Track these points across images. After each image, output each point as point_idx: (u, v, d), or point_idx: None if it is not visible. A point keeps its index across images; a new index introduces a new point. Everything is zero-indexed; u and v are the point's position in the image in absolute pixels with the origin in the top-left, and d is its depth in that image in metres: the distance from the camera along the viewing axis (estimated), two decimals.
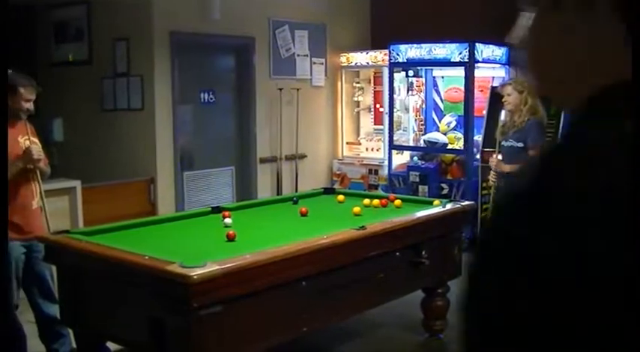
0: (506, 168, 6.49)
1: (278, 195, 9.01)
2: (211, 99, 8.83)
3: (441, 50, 8.89)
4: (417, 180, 8.89)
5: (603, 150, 1.00)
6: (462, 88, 8.79)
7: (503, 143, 6.68)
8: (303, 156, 9.78)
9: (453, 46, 8.74)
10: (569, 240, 0.93)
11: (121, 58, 8.52)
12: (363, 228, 4.80)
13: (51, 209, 7.01)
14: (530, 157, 6.26)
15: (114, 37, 8.56)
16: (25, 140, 5.28)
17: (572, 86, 1.15)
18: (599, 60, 1.11)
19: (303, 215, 5.48)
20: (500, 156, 6.71)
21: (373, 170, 9.57)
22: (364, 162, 9.79)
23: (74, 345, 5.03)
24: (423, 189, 8.81)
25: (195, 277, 3.63)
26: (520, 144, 6.47)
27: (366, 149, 10.00)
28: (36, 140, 5.40)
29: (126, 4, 8.40)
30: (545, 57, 1.22)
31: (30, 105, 5.26)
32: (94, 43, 8.94)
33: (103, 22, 8.80)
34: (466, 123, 8.70)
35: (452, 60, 8.79)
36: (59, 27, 9.38)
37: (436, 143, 8.90)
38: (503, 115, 6.91)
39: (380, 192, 8.82)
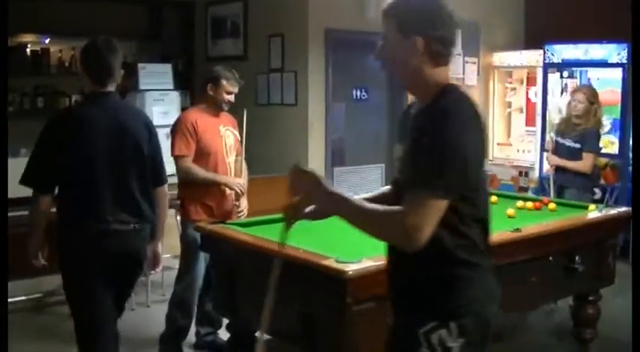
0: (557, 160, 7.13)
1: None
2: (364, 96, 8.88)
3: (597, 51, 8.66)
4: None
5: (453, 98, 2.65)
6: (618, 90, 8.53)
7: (559, 139, 7.15)
8: None
9: (611, 46, 8.50)
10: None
11: (275, 54, 8.67)
12: (517, 230, 4.73)
13: None
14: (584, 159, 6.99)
15: (269, 34, 8.71)
16: (225, 130, 5.54)
17: (424, 90, 2.73)
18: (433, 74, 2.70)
19: None
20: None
21: (524, 172, 9.41)
22: (515, 164, 9.64)
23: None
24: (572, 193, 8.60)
25: (350, 273, 3.65)
26: (577, 146, 7.02)
27: (517, 150, 9.84)
28: (236, 132, 5.66)
29: (282, 1, 8.54)
30: (404, 73, 2.80)
31: (231, 98, 5.60)
32: (250, 39, 9.12)
33: (258, 19, 8.97)
34: (622, 126, 8.45)
35: (609, 61, 8.55)
36: (216, 23, 9.61)
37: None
38: (563, 113, 7.49)
39: (530, 194, 8.67)
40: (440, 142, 2.44)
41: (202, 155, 5.44)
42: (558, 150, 7.15)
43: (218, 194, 5.52)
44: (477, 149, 2.56)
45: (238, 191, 5.56)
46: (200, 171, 5.41)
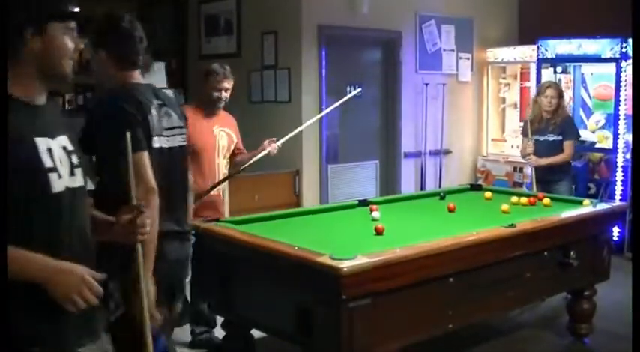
0: (544, 161, 7.25)
1: (421, 190, 8.98)
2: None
3: (591, 46, 8.65)
4: None
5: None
6: (612, 85, 8.53)
7: (538, 138, 7.33)
8: (447, 152, 9.71)
9: (604, 41, 8.49)
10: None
11: (268, 51, 8.65)
12: (512, 226, 4.74)
13: None
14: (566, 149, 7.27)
15: (262, 31, 8.69)
16: (220, 130, 5.47)
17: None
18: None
19: (451, 211, 5.44)
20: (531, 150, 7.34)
21: (518, 167, 9.40)
22: (509, 160, 9.64)
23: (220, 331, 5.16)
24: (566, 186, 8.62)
25: (345, 269, 3.65)
26: (559, 138, 7.29)
27: (512, 146, 9.84)
28: (233, 133, 5.57)
29: None
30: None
31: (222, 94, 5.52)
32: (243, 36, 9.10)
33: (251, 16, 8.95)
34: (616, 121, 8.45)
35: (603, 56, 8.54)
36: (209, 21, 9.60)
37: (584, 142, 8.67)
38: (529, 112, 7.60)
39: (525, 190, 8.67)
40: None
41: (195, 155, 5.17)
42: (537, 149, 7.31)
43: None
44: None
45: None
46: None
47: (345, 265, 3.67)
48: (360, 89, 6.96)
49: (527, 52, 9.51)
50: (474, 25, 9.95)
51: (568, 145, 7.28)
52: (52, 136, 2.49)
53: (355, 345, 3.74)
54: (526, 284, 4.99)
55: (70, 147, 2.57)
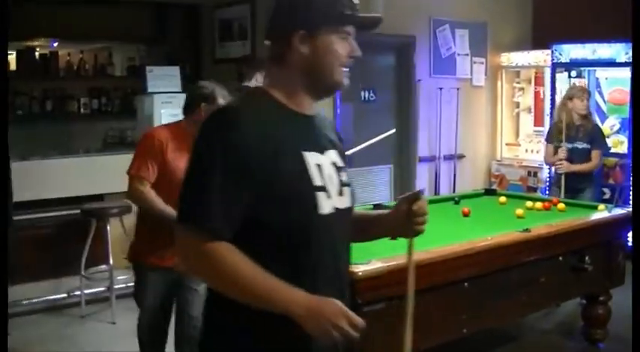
0: (575, 167, 7.19)
1: (436, 194, 8.97)
2: (372, 97, 8.87)
3: (605, 50, 8.64)
4: None
5: None
6: (627, 89, 8.51)
7: (567, 145, 7.25)
8: (461, 156, 9.70)
9: (619, 45, 8.47)
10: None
11: None
12: (527, 230, 4.74)
13: None
14: (594, 159, 7.23)
15: None
16: None
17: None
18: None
19: (466, 215, 5.44)
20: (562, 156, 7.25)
21: (532, 172, 9.38)
22: (523, 164, 9.62)
23: None
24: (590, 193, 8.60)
25: (360, 273, 3.66)
26: (587, 146, 7.23)
27: (526, 150, 9.82)
28: None
29: None
30: None
31: None
32: (257, 40, 9.12)
33: (266, 21, 8.96)
34: (631, 125, 8.42)
35: (617, 60, 8.53)
36: (223, 25, 9.61)
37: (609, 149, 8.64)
38: (560, 117, 7.38)
39: (539, 194, 8.65)
40: None
41: (166, 182, 4.41)
42: (571, 155, 7.25)
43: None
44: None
45: None
46: (157, 201, 4.43)
47: (360, 269, 3.68)
48: (394, 130, 6.83)
49: (541, 57, 9.49)
50: (487, 30, 9.93)
51: (596, 155, 7.26)
52: (322, 151, 2.28)
53: (369, 350, 3.73)
54: (541, 290, 4.98)
55: (340, 164, 2.36)
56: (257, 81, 7.09)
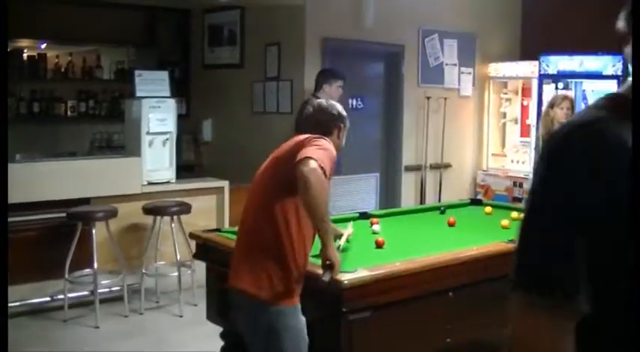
0: None
1: (421, 203, 8.99)
2: (360, 105, 8.90)
3: (593, 62, 8.68)
4: None
5: None
6: None
7: None
8: (447, 166, 9.73)
9: (606, 58, 8.52)
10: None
11: (272, 62, 8.68)
12: (512, 241, 4.74)
13: (199, 207, 7.24)
14: None
15: (266, 42, 8.72)
16: None
17: None
18: None
19: (451, 225, 5.45)
20: None
21: (518, 183, 9.42)
22: (509, 174, 9.66)
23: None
24: None
25: (346, 282, 3.66)
26: None
27: (512, 161, 9.86)
28: None
29: (279, 9, 8.55)
30: None
31: None
32: (246, 47, 9.14)
33: (255, 27, 8.99)
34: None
35: (604, 73, 8.58)
36: (213, 31, 9.63)
37: None
38: (542, 128, 7.32)
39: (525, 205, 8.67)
40: None
41: None
42: None
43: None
44: None
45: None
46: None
47: (346, 278, 3.68)
48: None
49: (528, 68, 9.53)
50: (476, 40, 9.98)
51: None
52: None
53: None
54: None
55: None
56: (324, 91, 7.25)
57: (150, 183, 7.20)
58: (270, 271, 3.65)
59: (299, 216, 3.69)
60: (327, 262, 3.60)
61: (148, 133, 7.17)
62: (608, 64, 8.49)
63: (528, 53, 9.88)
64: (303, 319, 3.72)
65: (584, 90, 9.10)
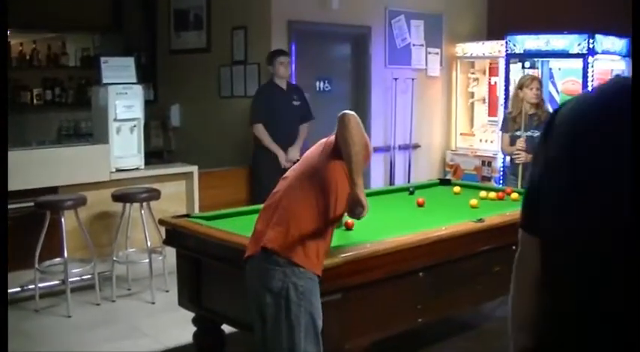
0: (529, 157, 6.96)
1: (390, 184, 9.01)
2: (327, 87, 8.90)
3: (559, 41, 8.72)
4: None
5: None
6: (580, 80, 8.61)
7: (522, 133, 7.19)
8: (416, 146, 9.76)
9: (572, 36, 8.56)
10: None
11: (238, 46, 8.65)
12: (480, 220, 4.78)
13: (169, 193, 7.22)
14: None
15: (232, 26, 8.69)
16: None
17: None
18: None
19: (420, 205, 5.48)
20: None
21: (487, 161, 9.48)
22: (477, 154, 9.71)
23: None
24: None
25: None
26: None
27: (480, 140, 9.91)
28: None
29: None
30: None
31: None
32: (213, 31, 9.10)
33: (221, 11, 8.95)
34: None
35: (570, 51, 8.62)
36: (179, 15, 9.58)
37: None
38: (513, 106, 7.46)
39: (493, 184, 8.73)
40: None
41: None
42: (526, 145, 7.16)
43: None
44: None
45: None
46: None
47: None
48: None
49: (495, 47, 9.58)
50: (443, 21, 10.00)
51: None
52: None
53: (326, 340, 3.75)
54: (495, 279, 5.01)
55: None
56: (273, 71, 7.70)
57: (118, 170, 7.15)
58: (303, 236, 3.60)
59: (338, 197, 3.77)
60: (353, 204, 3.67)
61: (115, 120, 7.11)
62: (574, 42, 8.53)
63: (495, 33, 9.92)
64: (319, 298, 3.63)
65: (550, 69, 9.15)
